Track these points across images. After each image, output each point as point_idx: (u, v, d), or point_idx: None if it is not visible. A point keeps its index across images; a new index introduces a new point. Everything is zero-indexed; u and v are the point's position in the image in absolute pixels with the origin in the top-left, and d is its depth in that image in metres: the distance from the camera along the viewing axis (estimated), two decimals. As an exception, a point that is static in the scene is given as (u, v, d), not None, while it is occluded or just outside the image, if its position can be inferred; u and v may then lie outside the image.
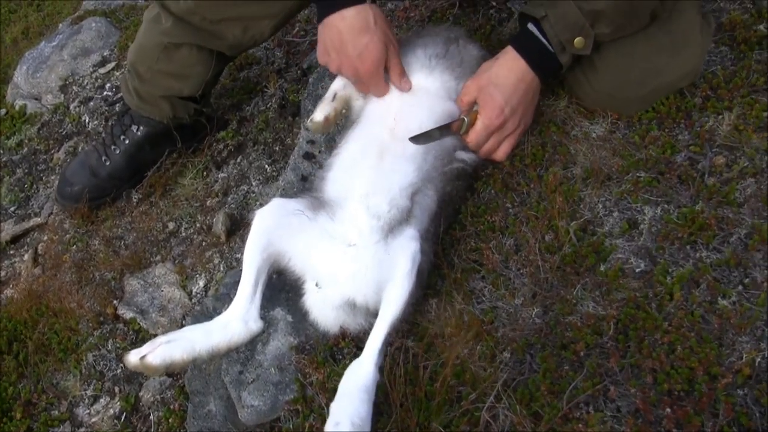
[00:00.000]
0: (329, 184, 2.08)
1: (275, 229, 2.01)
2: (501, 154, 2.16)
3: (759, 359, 1.66)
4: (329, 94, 2.23)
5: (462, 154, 2.14)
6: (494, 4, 2.81)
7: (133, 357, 1.90)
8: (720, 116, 2.11)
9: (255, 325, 2.01)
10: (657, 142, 2.12)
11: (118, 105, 3.28)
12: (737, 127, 2.06)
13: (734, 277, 1.81)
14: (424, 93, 2.19)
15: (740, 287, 1.79)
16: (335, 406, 1.75)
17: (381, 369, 1.82)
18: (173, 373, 2.30)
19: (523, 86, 2.08)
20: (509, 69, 2.08)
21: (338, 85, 2.23)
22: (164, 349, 1.91)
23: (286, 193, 2.33)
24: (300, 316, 2.04)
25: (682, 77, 2.16)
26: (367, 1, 2.08)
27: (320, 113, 2.18)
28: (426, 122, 2.10)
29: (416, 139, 2.05)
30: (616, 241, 1.97)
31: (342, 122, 2.28)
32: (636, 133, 2.17)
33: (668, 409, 1.61)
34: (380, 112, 2.17)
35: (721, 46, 2.33)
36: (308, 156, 2.40)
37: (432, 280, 2.01)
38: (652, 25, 2.07)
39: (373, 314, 1.95)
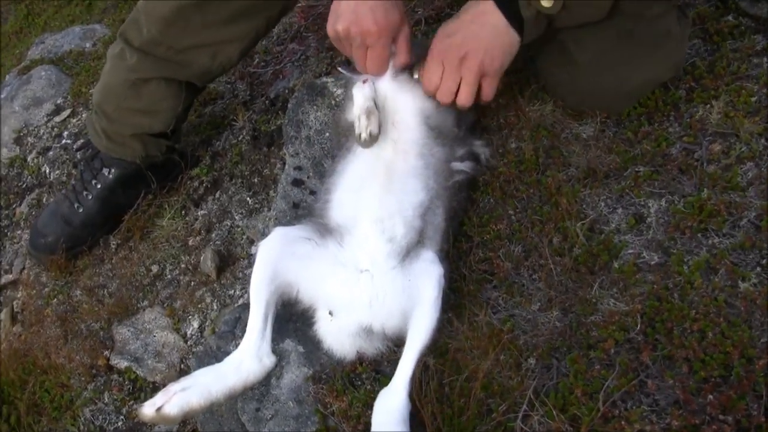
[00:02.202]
0: (335, 207, 2.03)
1: (280, 259, 1.96)
2: (485, 93, 2.05)
3: (790, 337, 1.68)
4: (369, 104, 2.03)
5: (458, 165, 2.13)
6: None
7: (148, 409, 1.81)
8: (708, 105, 2.14)
9: (269, 360, 1.95)
10: (650, 137, 2.13)
11: (81, 151, 3.18)
12: (727, 114, 2.08)
13: (751, 259, 1.82)
14: (410, 92, 2.14)
15: (758, 269, 1.80)
16: None
17: (410, 396, 1.79)
18: (187, 421, 2.22)
19: (481, 19, 1.96)
20: (470, 6, 2.01)
21: (371, 91, 2.06)
22: (180, 397, 1.84)
23: (279, 222, 2.28)
24: (311, 345, 1.99)
25: (666, 71, 2.18)
26: None
27: (375, 126, 2.01)
28: (417, 123, 2.09)
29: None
30: (625, 237, 1.97)
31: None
32: (628, 130, 2.18)
33: (710, 396, 1.61)
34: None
35: (694, 39, 2.37)
36: (297, 182, 2.36)
37: (446, 294, 1.97)
38: (630, 22, 2.08)
39: (390, 338, 1.93)
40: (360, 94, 2.03)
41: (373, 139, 1.99)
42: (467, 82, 1.99)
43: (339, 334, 1.93)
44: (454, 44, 1.97)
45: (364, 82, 2.07)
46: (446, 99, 2.03)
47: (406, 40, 2.05)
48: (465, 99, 2.02)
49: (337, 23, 2.00)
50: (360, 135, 1.97)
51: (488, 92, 2.04)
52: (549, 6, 1.91)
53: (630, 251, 1.94)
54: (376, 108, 2.02)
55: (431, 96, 2.07)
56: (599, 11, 1.99)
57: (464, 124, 2.20)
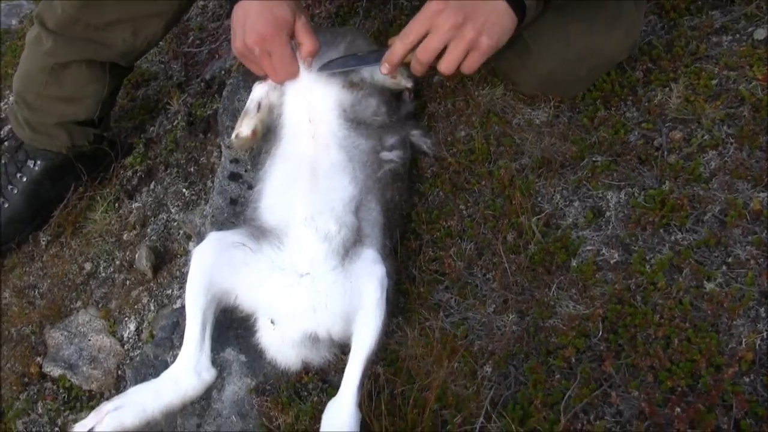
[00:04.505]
0: (266, 212, 1.93)
1: (216, 266, 1.84)
2: (468, 65, 1.88)
3: (759, 341, 1.59)
4: (252, 105, 2.04)
5: (387, 154, 2.02)
6: (403, -9, 2.68)
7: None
8: (667, 89, 2.05)
9: (208, 374, 1.83)
10: (607, 123, 2.03)
11: (7, 141, 3.01)
12: (687, 99, 1.99)
13: (716, 257, 1.74)
14: (323, 83, 2.04)
15: (724, 267, 1.72)
16: None
17: (360, 406, 1.68)
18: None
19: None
20: None
21: (260, 93, 2.05)
22: (113, 418, 1.74)
23: (216, 220, 2.16)
24: (254, 353, 1.88)
25: (621, 52, 2.07)
26: None
27: (246, 127, 2.00)
28: (335, 116, 1.99)
29: (326, 66, 2.00)
30: (583, 233, 1.88)
31: (266, 135, 2.12)
32: (583, 115, 2.08)
33: (677, 409, 1.53)
34: (296, 118, 2.02)
35: (650, 15, 2.27)
36: (234, 176, 2.23)
37: (394, 297, 1.87)
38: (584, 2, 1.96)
39: (337, 345, 1.83)
40: (251, 95, 2.04)
41: (239, 141, 2.00)
42: (457, 48, 1.83)
43: (282, 344, 1.82)
44: (451, 7, 1.81)
45: (260, 82, 2.05)
46: (425, 56, 1.86)
47: (304, 29, 1.94)
48: (447, 65, 1.86)
49: (236, 41, 1.95)
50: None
51: (472, 65, 1.87)
52: None
53: (588, 248, 1.85)
54: (258, 110, 2.02)
55: (398, 57, 1.90)
56: None
57: (396, 114, 2.11)
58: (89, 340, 2.36)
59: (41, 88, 2.46)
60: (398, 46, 1.88)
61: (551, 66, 2.05)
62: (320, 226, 1.83)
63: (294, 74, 1.98)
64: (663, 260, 1.74)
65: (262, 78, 2.07)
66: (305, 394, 1.82)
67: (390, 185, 1.99)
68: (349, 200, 1.89)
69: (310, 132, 1.98)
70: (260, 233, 1.89)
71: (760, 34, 2.09)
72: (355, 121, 2.00)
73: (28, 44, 2.48)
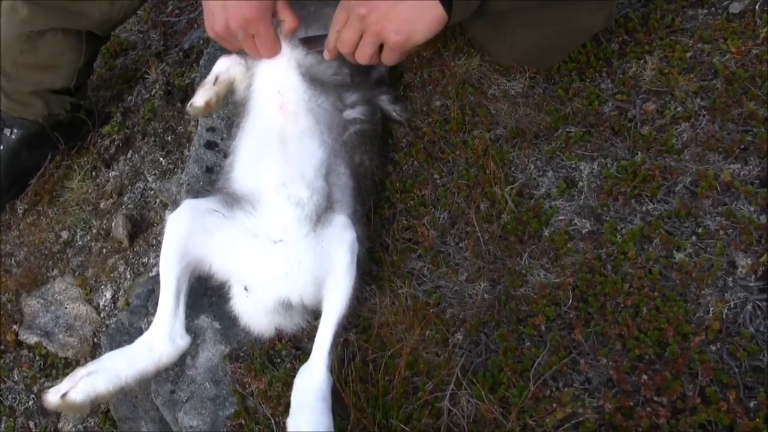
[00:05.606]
0: (237, 182, 1.93)
1: (191, 233, 1.84)
2: (384, 58, 1.88)
3: (726, 311, 1.61)
4: (210, 77, 2.03)
5: (350, 113, 2.01)
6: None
7: (52, 396, 1.71)
8: (642, 61, 2.05)
9: (182, 341, 1.83)
10: (581, 94, 2.04)
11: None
12: (662, 71, 2.00)
13: (686, 228, 1.75)
14: (296, 54, 2.03)
15: (694, 238, 1.73)
16: (293, 422, 1.62)
17: (331, 370, 1.69)
18: (98, 406, 2.10)
19: None
20: None
21: (221, 67, 2.04)
22: (86, 383, 1.73)
23: (192, 188, 2.15)
24: (228, 321, 1.89)
25: (597, 23, 2.06)
26: None
27: (201, 98, 1.98)
28: (302, 86, 1.98)
29: (306, 42, 1.99)
30: (556, 203, 1.89)
31: (225, 106, 2.16)
32: (558, 86, 2.08)
33: (644, 376, 1.55)
34: (265, 89, 2.01)
35: (627, -13, 2.27)
36: (210, 145, 2.22)
37: (367, 265, 1.88)
38: None
39: (310, 311, 1.84)
40: (213, 67, 2.04)
41: (193, 110, 1.98)
42: (365, 40, 1.84)
43: (256, 311, 1.83)
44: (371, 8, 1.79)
45: (224, 56, 2.05)
46: (343, 48, 1.88)
47: (284, 6, 1.92)
48: (360, 57, 1.88)
49: (215, 24, 1.90)
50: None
51: (388, 59, 1.88)
52: None
53: (561, 218, 1.86)
54: (215, 83, 2.00)
55: (333, 45, 1.91)
56: None
57: (359, 75, 2.09)
58: (65, 308, 2.37)
59: (17, 55, 2.45)
60: (331, 35, 1.89)
61: (528, 37, 2.05)
62: (292, 193, 1.84)
63: (277, 52, 1.97)
64: (634, 230, 1.76)
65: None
66: (278, 360, 1.82)
67: (357, 148, 1.99)
68: (319, 165, 1.89)
69: (278, 102, 1.97)
70: (233, 200, 1.89)
71: (735, 7, 2.10)
72: (312, 77, 1.99)
73: (4, 13, 2.47)
